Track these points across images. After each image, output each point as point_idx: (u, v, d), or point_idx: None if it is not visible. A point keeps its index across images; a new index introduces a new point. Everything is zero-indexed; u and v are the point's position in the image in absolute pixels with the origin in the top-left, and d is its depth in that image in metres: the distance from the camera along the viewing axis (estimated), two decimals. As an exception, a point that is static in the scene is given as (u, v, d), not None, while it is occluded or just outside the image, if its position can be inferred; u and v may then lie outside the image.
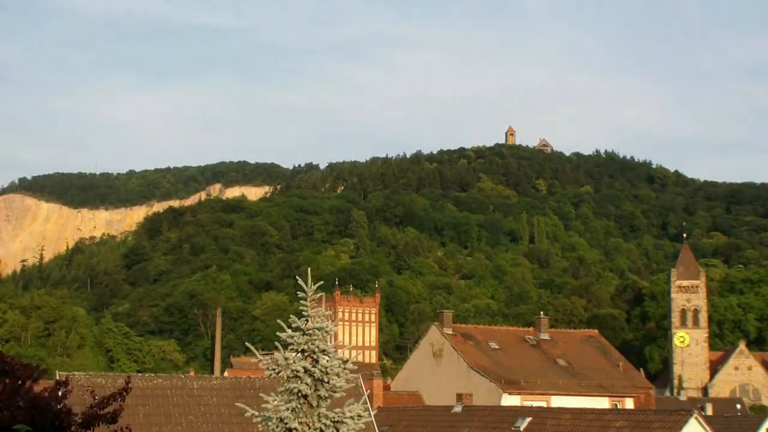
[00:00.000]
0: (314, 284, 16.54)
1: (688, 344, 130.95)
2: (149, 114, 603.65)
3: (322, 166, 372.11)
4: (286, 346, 16.12)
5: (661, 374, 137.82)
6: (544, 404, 52.40)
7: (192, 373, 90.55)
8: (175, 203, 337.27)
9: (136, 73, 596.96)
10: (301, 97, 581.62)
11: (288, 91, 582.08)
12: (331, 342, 16.56)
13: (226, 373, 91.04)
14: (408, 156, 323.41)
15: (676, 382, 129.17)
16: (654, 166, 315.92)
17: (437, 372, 60.30)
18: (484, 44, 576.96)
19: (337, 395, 16.11)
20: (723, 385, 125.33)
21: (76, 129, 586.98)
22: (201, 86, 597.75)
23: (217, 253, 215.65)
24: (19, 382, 16.37)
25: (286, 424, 15.67)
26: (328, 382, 15.90)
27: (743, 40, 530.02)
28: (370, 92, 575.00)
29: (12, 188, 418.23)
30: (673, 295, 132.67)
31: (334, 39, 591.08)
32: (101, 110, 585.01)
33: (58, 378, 26.58)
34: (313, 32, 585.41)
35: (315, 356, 15.96)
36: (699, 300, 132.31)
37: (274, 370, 15.93)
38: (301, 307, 16.41)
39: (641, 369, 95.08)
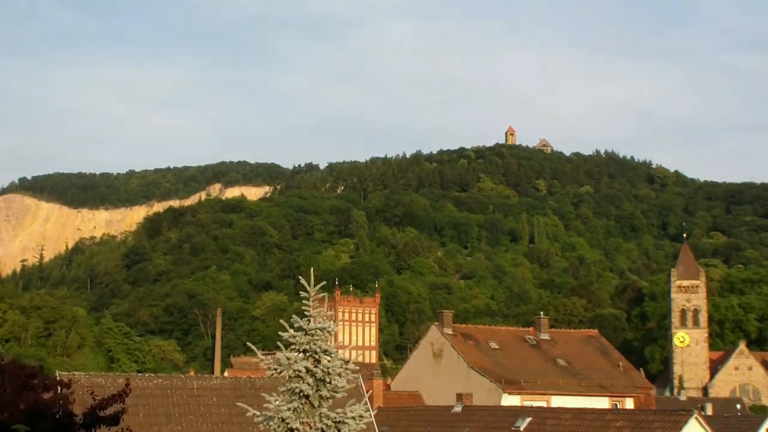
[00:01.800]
0: (316, 284, 16.55)
1: (688, 344, 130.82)
2: (149, 113, 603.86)
3: (322, 166, 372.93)
4: (287, 345, 16.12)
5: (661, 374, 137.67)
6: (544, 404, 52.42)
7: (192, 373, 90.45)
8: (175, 203, 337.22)
9: (135, 71, 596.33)
10: (301, 84, 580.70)
11: (288, 84, 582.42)
12: (331, 342, 16.56)
13: (226, 373, 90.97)
14: (408, 156, 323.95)
15: (676, 382, 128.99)
16: (654, 166, 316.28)
17: (437, 372, 60.27)
18: (483, 43, 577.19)
19: (339, 395, 16.12)
20: (723, 385, 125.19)
21: (76, 128, 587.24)
22: (201, 82, 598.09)
23: (217, 253, 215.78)
24: (27, 387, 16.30)
25: (288, 424, 15.67)
26: (329, 383, 15.90)
27: (745, 21, 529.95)
28: (370, 87, 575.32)
29: (12, 188, 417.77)
30: (673, 295, 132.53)
31: (333, 15, 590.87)
32: (101, 109, 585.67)
33: (59, 378, 26.50)
34: (309, 7, 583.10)
35: (317, 356, 15.97)
36: (699, 300, 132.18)
37: (275, 369, 15.93)
38: (303, 307, 16.41)
39: (641, 369, 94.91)
